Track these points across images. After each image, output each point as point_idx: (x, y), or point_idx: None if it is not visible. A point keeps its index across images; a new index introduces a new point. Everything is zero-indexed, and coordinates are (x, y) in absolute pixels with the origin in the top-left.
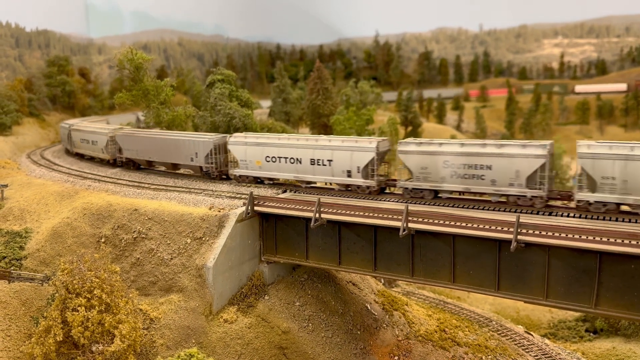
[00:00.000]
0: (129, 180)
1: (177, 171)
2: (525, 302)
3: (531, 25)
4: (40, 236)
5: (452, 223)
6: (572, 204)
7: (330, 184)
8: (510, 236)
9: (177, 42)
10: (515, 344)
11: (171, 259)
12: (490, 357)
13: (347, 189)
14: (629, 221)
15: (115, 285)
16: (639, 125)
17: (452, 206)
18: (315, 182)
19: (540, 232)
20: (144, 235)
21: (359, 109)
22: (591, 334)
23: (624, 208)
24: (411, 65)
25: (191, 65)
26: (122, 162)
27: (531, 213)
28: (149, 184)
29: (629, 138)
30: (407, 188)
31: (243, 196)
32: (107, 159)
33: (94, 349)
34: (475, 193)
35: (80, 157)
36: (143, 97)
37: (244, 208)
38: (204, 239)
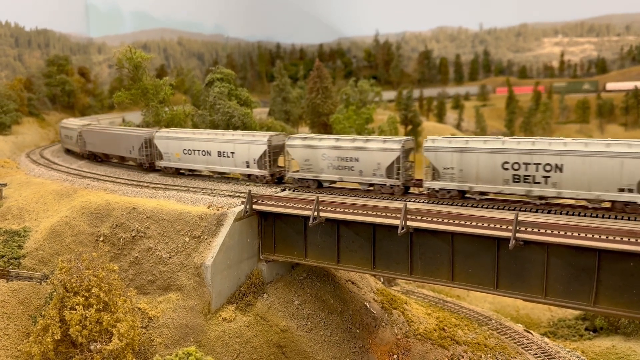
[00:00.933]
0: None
1: (125, 163)
2: (524, 300)
3: (531, 24)
4: (39, 235)
5: (451, 221)
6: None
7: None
8: (509, 234)
9: (177, 42)
10: (515, 343)
11: (169, 257)
12: (489, 355)
13: (249, 178)
14: (628, 219)
15: (114, 283)
16: (639, 123)
17: (451, 204)
18: (227, 173)
19: (539, 230)
20: (142, 234)
21: (359, 108)
22: (591, 332)
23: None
24: (411, 65)
25: (191, 65)
26: (87, 155)
27: (530, 211)
28: (147, 182)
29: (629, 136)
30: (295, 178)
31: (242, 195)
32: (78, 152)
33: (92, 347)
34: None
35: (67, 151)
36: (142, 96)
37: (242, 206)
38: (202, 237)
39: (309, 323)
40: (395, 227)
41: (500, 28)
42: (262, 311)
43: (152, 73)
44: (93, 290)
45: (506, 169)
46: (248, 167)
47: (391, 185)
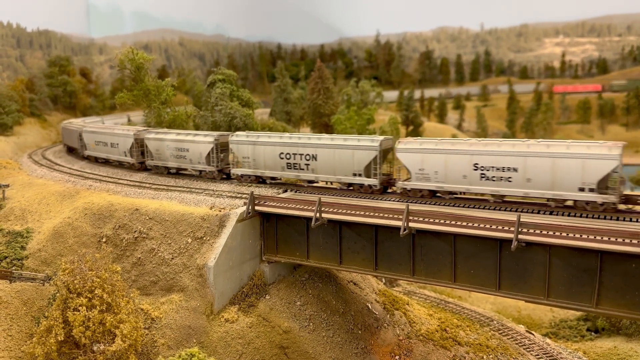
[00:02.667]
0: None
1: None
2: (526, 301)
3: (532, 24)
4: (42, 236)
5: (453, 222)
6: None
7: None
8: (511, 235)
9: (178, 42)
10: (517, 344)
11: (172, 258)
12: (491, 356)
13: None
14: (630, 220)
15: (116, 285)
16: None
17: (453, 205)
18: (122, 162)
19: (541, 232)
20: (144, 235)
21: (360, 109)
22: (592, 333)
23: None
24: (412, 65)
25: (192, 65)
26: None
27: (532, 212)
28: (149, 183)
29: (630, 137)
30: (155, 166)
31: (244, 196)
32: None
33: (95, 348)
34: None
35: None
36: (144, 97)
37: (244, 208)
38: (204, 238)
39: (311, 324)
40: (398, 229)
41: (501, 28)
42: (265, 312)
43: (154, 74)
44: (96, 291)
45: (282, 158)
46: (125, 155)
47: (209, 171)
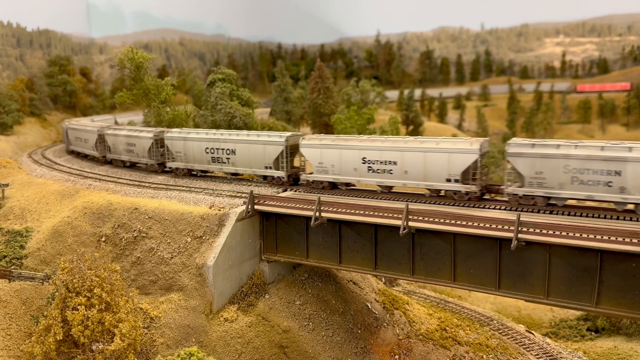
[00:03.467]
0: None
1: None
2: (526, 300)
3: (533, 24)
4: (41, 235)
5: (453, 222)
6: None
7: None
8: (511, 234)
9: (179, 42)
10: (517, 343)
11: (171, 257)
12: (491, 356)
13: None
14: (630, 219)
15: (116, 284)
16: None
17: (452, 205)
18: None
19: (541, 231)
20: (144, 234)
21: (360, 108)
22: (592, 333)
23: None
24: (412, 65)
25: (192, 65)
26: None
27: (530, 210)
28: (149, 183)
29: (630, 137)
30: (113, 158)
31: (243, 195)
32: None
33: (94, 347)
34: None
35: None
36: (144, 96)
37: (244, 207)
38: (204, 237)
39: (310, 323)
40: (397, 228)
41: (501, 28)
42: (264, 311)
43: (154, 73)
44: (95, 291)
45: (207, 153)
46: (92, 150)
47: (153, 164)
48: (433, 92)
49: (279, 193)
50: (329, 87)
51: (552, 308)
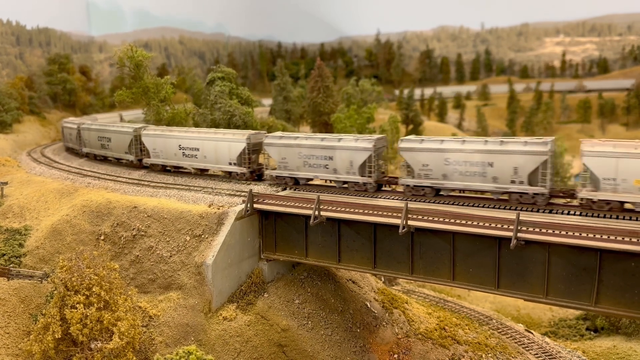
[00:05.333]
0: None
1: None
2: (525, 299)
3: (533, 23)
4: (40, 234)
5: (452, 220)
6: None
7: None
8: (510, 234)
9: (178, 41)
10: (516, 343)
11: (170, 256)
12: (490, 355)
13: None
14: (630, 219)
15: (114, 282)
16: None
17: (452, 204)
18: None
19: (540, 230)
20: (143, 233)
21: (360, 107)
22: (592, 332)
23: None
24: (412, 64)
25: (192, 64)
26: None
27: (531, 211)
28: (148, 181)
29: (630, 136)
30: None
31: (242, 194)
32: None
33: (92, 346)
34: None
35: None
36: (143, 94)
37: (243, 205)
38: (203, 236)
39: (309, 322)
40: (396, 227)
41: (501, 27)
42: (263, 310)
43: (153, 72)
44: (94, 289)
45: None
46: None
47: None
48: (430, 91)
49: (278, 192)
50: (329, 86)
51: (551, 307)
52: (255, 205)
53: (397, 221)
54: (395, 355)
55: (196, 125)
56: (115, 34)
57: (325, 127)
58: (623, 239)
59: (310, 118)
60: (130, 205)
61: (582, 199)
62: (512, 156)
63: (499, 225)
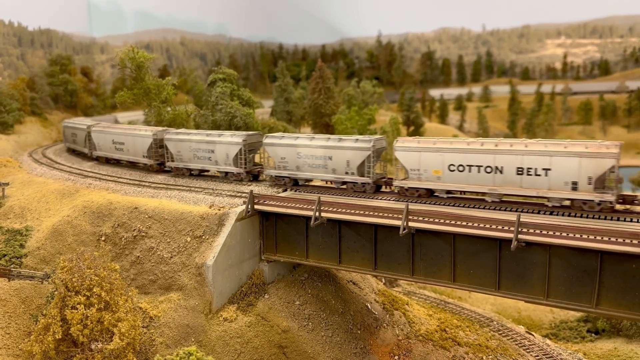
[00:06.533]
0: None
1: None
2: (525, 301)
3: (534, 25)
4: (41, 234)
5: (453, 222)
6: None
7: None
8: (511, 235)
9: (180, 42)
10: (517, 344)
11: (171, 257)
12: (491, 357)
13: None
14: (630, 220)
15: (115, 283)
16: None
17: (452, 205)
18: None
19: (541, 231)
20: (144, 234)
21: (361, 109)
22: (593, 334)
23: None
24: (414, 65)
25: (193, 65)
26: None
27: (532, 212)
28: (149, 182)
29: (631, 138)
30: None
31: (243, 195)
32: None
33: (93, 346)
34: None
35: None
36: (144, 95)
37: (244, 206)
38: (204, 237)
39: (310, 323)
40: (397, 228)
41: (503, 29)
42: (264, 311)
43: (155, 73)
44: (94, 290)
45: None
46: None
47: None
48: (435, 93)
49: (279, 193)
50: (330, 87)
51: (552, 309)
52: (256, 207)
53: (398, 222)
54: (396, 357)
55: (197, 126)
56: (117, 35)
57: (326, 128)
58: (624, 240)
59: (312, 119)
60: (131, 206)
61: (396, 187)
62: (345, 151)
63: (500, 227)
